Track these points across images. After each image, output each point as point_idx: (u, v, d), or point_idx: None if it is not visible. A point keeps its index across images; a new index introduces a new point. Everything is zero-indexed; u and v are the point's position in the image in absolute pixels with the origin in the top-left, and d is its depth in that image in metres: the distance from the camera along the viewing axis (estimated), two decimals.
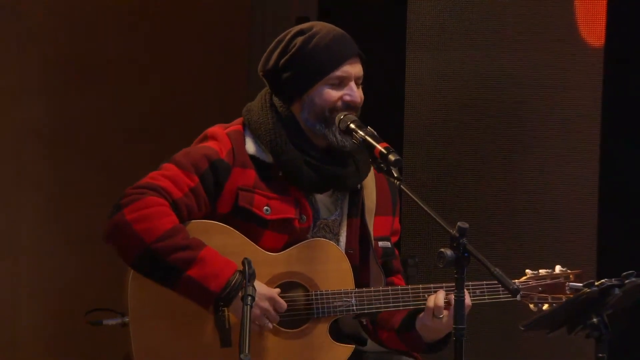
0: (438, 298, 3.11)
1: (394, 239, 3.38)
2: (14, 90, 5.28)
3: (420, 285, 3.20)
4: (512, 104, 4.43)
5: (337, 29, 3.25)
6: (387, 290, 3.18)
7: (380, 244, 3.30)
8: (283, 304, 3.10)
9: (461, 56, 4.39)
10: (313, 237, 3.21)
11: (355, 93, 3.20)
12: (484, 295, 3.20)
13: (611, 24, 4.48)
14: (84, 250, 5.23)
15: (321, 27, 3.23)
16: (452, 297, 2.86)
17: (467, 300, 3.01)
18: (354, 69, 3.21)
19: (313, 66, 3.18)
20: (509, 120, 4.43)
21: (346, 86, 3.19)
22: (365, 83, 3.27)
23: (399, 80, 4.46)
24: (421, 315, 3.14)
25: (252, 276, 2.91)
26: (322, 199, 3.25)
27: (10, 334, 5.29)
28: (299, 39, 3.20)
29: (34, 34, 5.29)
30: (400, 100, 4.45)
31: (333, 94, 3.19)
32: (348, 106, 3.19)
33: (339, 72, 3.19)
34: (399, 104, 4.46)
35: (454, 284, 2.87)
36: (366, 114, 3.25)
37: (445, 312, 3.10)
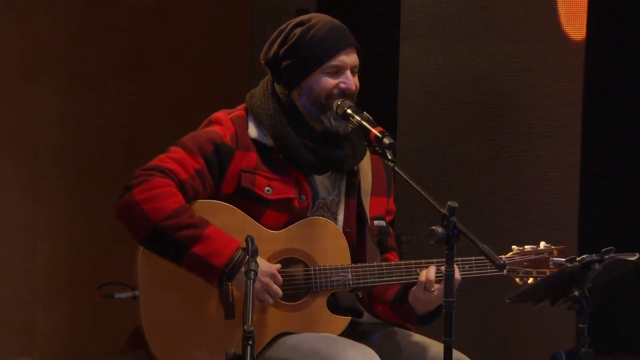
0: (429, 272, 3.12)
1: (389, 218, 3.39)
2: (31, 80, 5.28)
3: (413, 261, 3.20)
4: (499, 91, 4.43)
5: (335, 20, 3.25)
6: (382, 266, 3.19)
7: (376, 222, 3.31)
8: (280, 278, 3.10)
9: (452, 46, 4.39)
10: (312, 216, 3.21)
11: (350, 81, 3.20)
12: (472, 270, 3.21)
13: (592, 19, 4.48)
14: (97, 228, 5.24)
15: (319, 19, 3.23)
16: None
17: (457, 274, 3.01)
18: (350, 58, 3.20)
19: (311, 55, 3.18)
20: (496, 107, 4.44)
21: (342, 74, 3.19)
22: (361, 71, 3.26)
23: (393, 68, 4.45)
24: (414, 288, 3.14)
25: (255, 252, 2.91)
26: (320, 180, 3.25)
27: (29, 306, 5.31)
28: (298, 30, 3.20)
29: (45, 38, 5.28)
30: (394, 88, 4.45)
31: (330, 81, 3.19)
32: (344, 93, 3.19)
33: (335, 62, 3.18)
34: (393, 91, 4.46)
35: (444, 260, 2.87)
36: (362, 100, 3.25)
37: (436, 286, 3.10)
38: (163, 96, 5.53)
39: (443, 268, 2.88)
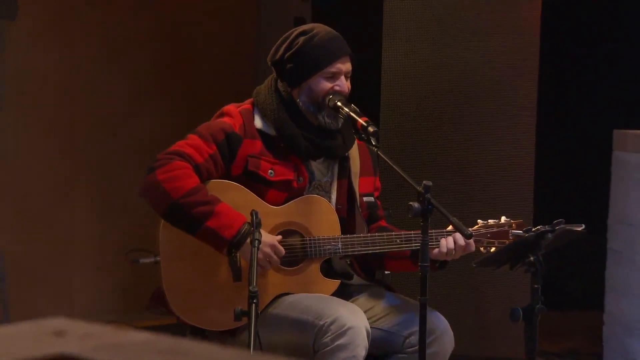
0: (449, 242, 3.12)
1: (376, 193, 3.40)
2: (64, 86, 5.28)
3: (393, 233, 3.21)
4: (467, 84, 4.42)
5: (334, 31, 3.24)
6: (367, 237, 3.20)
7: (365, 199, 3.31)
8: (282, 250, 3.12)
9: (429, 45, 4.37)
10: (308, 194, 3.22)
11: (344, 85, 3.20)
12: None
13: (545, 22, 4.48)
14: (125, 204, 5.24)
15: (320, 29, 3.22)
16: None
17: (472, 246, 3.08)
18: (345, 65, 3.20)
19: (312, 61, 3.17)
20: (465, 98, 4.43)
21: (337, 79, 3.19)
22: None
23: (377, 65, 4.44)
24: (435, 251, 3.11)
25: (259, 224, 2.92)
26: (316, 165, 3.25)
27: (66, 271, 5.32)
28: (302, 38, 3.19)
29: (69, 30, 5.27)
30: (377, 83, 4.44)
31: (326, 84, 3.18)
32: (337, 93, 3.18)
33: (332, 68, 3.18)
34: (376, 85, 4.45)
35: (420, 231, 2.88)
36: (351, 93, 3.25)
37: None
38: (180, 90, 5.54)
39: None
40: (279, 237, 3.14)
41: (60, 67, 5.23)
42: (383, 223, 3.36)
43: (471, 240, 3.10)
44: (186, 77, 5.57)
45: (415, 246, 3.09)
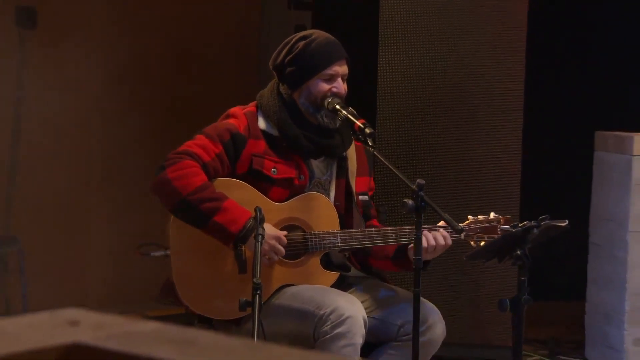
0: (430, 240, 3.10)
1: (370, 193, 3.39)
2: (81, 91, 5.27)
3: (389, 228, 3.21)
4: (459, 87, 4.40)
5: (331, 37, 3.24)
6: (364, 232, 3.19)
7: (361, 197, 3.30)
8: (286, 241, 3.10)
9: (424, 49, 4.35)
10: (309, 192, 3.21)
11: (341, 87, 3.19)
12: None
13: (530, 29, 4.46)
14: (136, 201, 5.23)
15: (318, 35, 3.22)
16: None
17: (449, 241, 3.06)
18: (342, 68, 3.19)
19: (310, 65, 3.16)
20: (456, 101, 4.40)
21: (335, 81, 3.18)
22: (348, 73, 3.24)
23: (373, 69, 4.42)
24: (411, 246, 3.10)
25: (262, 220, 2.92)
26: (316, 164, 3.24)
27: (84, 265, 5.31)
28: (301, 43, 3.19)
29: (87, 38, 5.26)
30: (374, 86, 4.43)
31: (324, 86, 3.17)
32: (335, 96, 3.18)
33: (329, 71, 3.17)
34: (373, 88, 4.44)
35: (414, 226, 2.87)
36: (349, 96, 3.24)
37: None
38: (189, 95, 5.53)
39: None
40: (284, 232, 3.13)
41: (77, 74, 5.22)
42: (375, 222, 3.34)
43: (447, 235, 3.08)
44: (194, 82, 5.57)
45: (410, 240, 3.08)
